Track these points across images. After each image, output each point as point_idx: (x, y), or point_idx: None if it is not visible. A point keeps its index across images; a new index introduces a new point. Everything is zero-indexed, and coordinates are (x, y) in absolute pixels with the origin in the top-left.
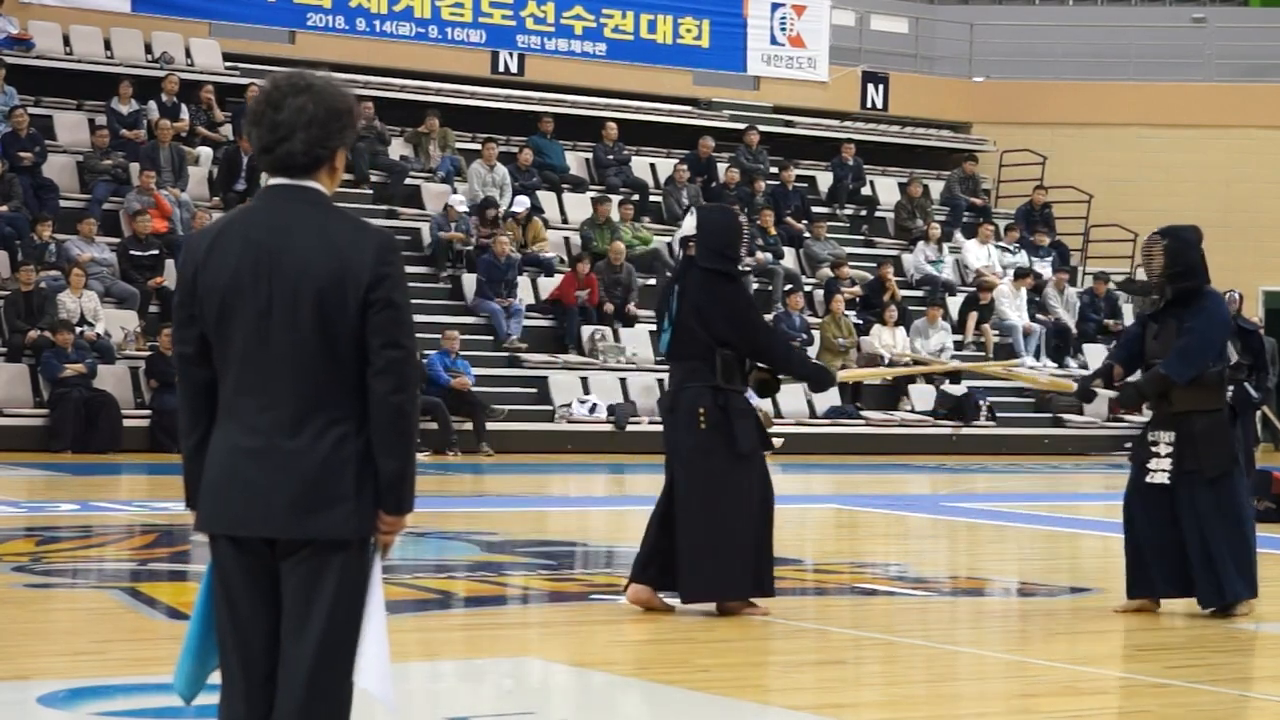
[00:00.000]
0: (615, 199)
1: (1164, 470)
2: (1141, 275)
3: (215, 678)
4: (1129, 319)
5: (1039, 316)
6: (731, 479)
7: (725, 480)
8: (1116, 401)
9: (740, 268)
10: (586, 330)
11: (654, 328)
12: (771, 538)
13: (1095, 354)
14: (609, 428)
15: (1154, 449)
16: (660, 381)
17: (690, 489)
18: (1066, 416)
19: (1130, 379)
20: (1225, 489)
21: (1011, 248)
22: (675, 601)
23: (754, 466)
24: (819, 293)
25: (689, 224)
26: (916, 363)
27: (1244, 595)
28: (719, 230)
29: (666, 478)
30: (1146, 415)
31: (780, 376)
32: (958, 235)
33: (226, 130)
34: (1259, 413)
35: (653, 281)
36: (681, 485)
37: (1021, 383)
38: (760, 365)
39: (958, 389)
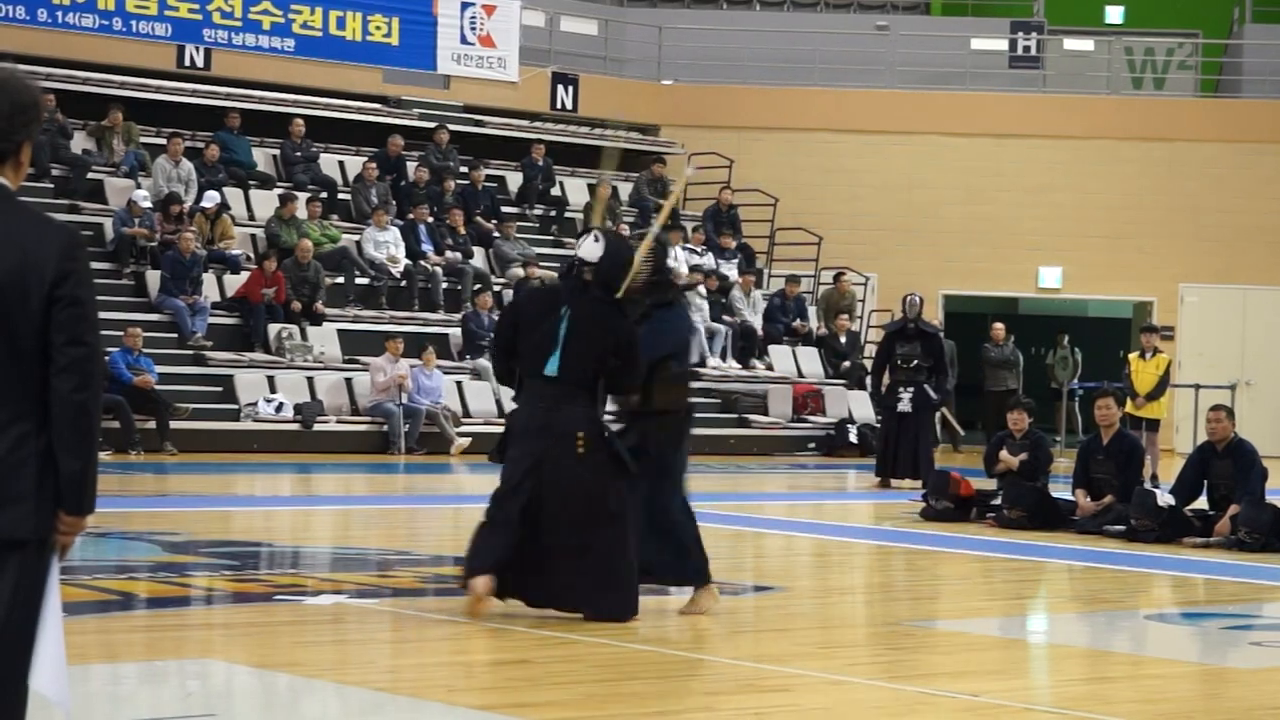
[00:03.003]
0: (303, 196)
1: None
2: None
3: None
4: (814, 321)
5: (725, 318)
6: (614, 500)
7: (608, 502)
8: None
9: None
10: (273, 328)
11: (341, 326)
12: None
13: (780, 355)
14: (296, 427)
15: None
16: (348, 380)
17: (575, 515)
18: (752, 417)
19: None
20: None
21: (699, 250)
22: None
23: (634, 486)
24: (508, 293)
25: (592, 249)
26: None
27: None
28: (621, 263)
29: (530, 495)
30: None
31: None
32: None
33: None
34: (938, 414)
35: (340, 280)
36: (565, 511)
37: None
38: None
39: None
